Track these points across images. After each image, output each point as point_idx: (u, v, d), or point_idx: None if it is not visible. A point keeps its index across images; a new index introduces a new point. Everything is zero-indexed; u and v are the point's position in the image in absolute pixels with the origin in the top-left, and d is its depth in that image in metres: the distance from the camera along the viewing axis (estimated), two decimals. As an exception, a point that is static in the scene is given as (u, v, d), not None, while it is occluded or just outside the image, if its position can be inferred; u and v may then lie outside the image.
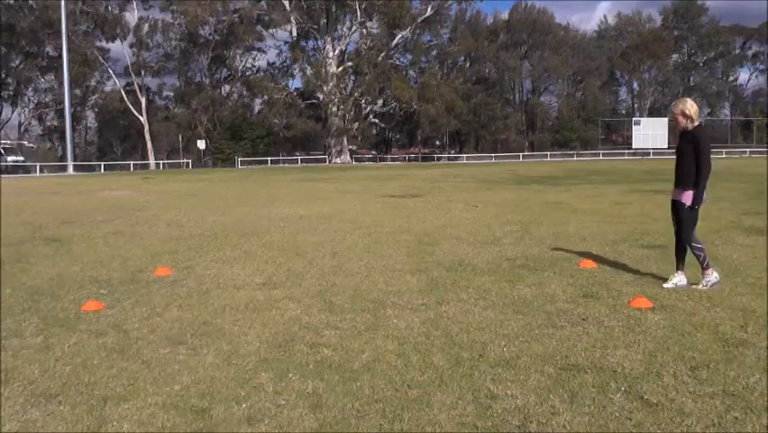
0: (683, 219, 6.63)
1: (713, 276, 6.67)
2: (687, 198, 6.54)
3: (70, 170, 61.17)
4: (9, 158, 59.19)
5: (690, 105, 6.58)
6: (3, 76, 78.61)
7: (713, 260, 7.95)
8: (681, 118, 6.58)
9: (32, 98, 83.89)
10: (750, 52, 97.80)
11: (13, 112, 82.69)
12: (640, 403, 3.79)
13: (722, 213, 13.04)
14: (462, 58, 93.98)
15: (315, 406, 3.84)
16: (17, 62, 78.21)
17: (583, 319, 5.50)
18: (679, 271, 6.77)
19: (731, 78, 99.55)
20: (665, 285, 6.66)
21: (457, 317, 5.64)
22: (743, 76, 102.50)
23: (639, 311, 5.67)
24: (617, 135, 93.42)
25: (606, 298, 6.20)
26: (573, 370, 4.31)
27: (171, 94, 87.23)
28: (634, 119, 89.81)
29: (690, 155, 6.51)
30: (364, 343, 4.99)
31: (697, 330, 5.12)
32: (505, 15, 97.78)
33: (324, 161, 76.92)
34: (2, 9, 71.43)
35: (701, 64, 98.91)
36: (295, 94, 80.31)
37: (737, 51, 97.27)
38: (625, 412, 3.69)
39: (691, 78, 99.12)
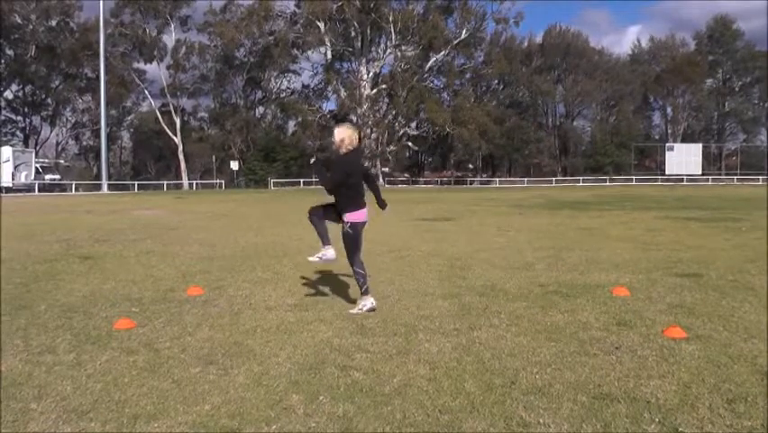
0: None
1: (369, 301, 6.78)
2: (350, 217, 6.90)
3: (105, 188, 62.24)
4: (46, 176, 60.53)
5: (348, 136, 6.89)
6: (43, 97, 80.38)
7: (750, 290, 7.82)
8: (339, 143, 6.87)
9: (69, 118, 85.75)
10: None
11: (51, 131, 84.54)
12: (675, 435, 3.72)
13: (758, 242, 12.82)
14: (496, 81, 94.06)
15: (345, 429, 3.82)
16: (57, 83, 79.89)
17: (616, 348, 5.42)
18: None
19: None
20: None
21: (489, 343, 5.59)
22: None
23: (673, 341, 5.57)
24: (650, 161, 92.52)
25: (639, 326, 6.10)
26: (606, 399, 4.24)
27: (206, 115, 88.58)
28: (667, 144, 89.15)
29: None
30: (395, 367, 4.96)
31: (734, 362, 5.01)
32: (539, 39, 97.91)
33: (356, 182, 77.05)
34: (44, 31, 73.24)
35: (737, 89, 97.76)
36: (329, 116, 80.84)
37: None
38: (660, 444, 3.62)
39: (726, 104, 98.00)
